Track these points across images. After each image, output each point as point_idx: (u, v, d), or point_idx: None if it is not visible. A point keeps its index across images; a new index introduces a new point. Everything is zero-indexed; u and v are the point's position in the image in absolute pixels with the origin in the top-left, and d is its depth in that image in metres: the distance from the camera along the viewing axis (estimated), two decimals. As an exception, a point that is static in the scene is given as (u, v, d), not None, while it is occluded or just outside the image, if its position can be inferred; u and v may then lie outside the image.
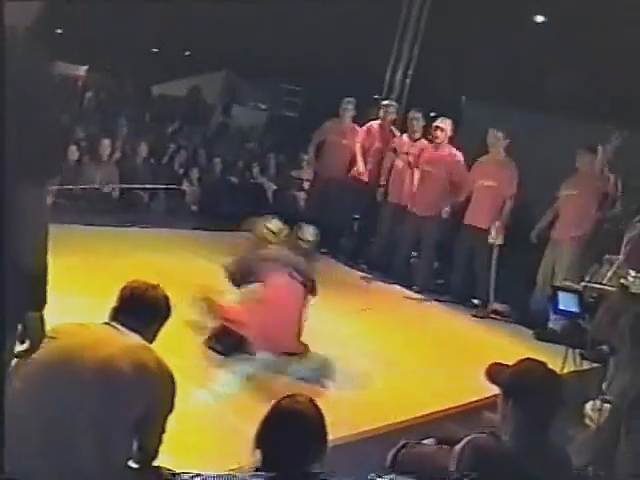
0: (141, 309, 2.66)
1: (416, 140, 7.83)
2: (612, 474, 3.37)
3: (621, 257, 4.78)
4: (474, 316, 6.96)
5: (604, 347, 4.43)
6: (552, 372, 2.52)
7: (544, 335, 6.30)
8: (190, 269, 6.19)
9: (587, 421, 4.03)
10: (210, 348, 4.63)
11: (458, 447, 2.40)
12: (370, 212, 8.29)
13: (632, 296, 3.75)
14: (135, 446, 2.56)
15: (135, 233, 7.49)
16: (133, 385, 2.45)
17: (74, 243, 5.95)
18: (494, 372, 2.56)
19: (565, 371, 4.46)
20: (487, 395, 3.47)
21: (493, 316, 7.03)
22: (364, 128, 8.29)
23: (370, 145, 8.21)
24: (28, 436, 2.33)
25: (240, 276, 4.86)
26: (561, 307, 4.57)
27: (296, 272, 4.83)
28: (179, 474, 2.50)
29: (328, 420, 2.25)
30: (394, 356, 5.29)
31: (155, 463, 2.66)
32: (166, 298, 2.76)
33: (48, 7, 2.22)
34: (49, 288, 2.25)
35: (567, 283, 5.17)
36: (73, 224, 6.60)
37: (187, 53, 15.85)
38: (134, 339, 2.58)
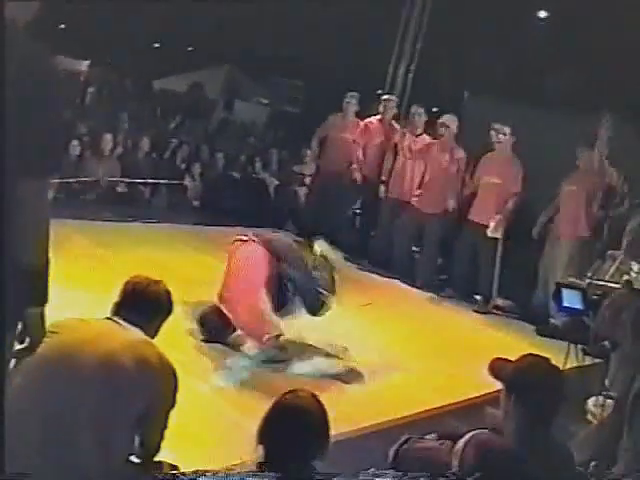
0: (143, 304, 2.66)
1: (418, 136, 7.82)
2: (614, 470, 3.36)
3: (622, 247, 4.77)
4: (476, 312, 6.96)
5: (606, 343, 4.42)
6: (555, 368, 2.51)
7: (546, 331, 6.30)
8: (192, 264, 6.19)
9: (589, 417, 4.03)
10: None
11: (460, 443, 2.40)
12: (372, 207, 8.28)
13: (636, 292, 3.74)
14: (137, 441, 2.56)
15: (137, 228, 7.48)
16: (135, 380, 2.45)
17: (76, 238, 5.95)
18: (497, 367, 2.56)
19: (567, 367, 4.45)
20: (489, 390, 3.46)
21: (495, 312, 7.03)
22: (362, 124, 8.27)
23: (367, 141, 8.19)
24: (29, 432, 2.33)
25: None
26: (565, 304, 4.53)
27: (263, 241, 4.83)
28: (181, 472, 2.50)
29: (330, 415, 2.25)
30: (396, 351, 5.28)
31: (157, 458, 2.66)
32: (168, 293, 2.76)
33: (50, 3, 2.21)
34: (50, 283, 2.24)
35: (571, 279, 5.15)
36: (75, 219, 6.59)
37: (190, 49, 15.85)
38: (136, 334, 2.58)
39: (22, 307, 2.18)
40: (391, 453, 2.67)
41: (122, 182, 8.64)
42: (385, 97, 8.47)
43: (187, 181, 9.38)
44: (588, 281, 4.76)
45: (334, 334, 5.12)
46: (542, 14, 10.09)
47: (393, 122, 8.29)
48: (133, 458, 2.59)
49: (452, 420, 4.05)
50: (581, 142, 6.73)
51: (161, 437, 2.62)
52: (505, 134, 7.06)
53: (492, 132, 7.12)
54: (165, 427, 2.60)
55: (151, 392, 2.49)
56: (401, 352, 5.31)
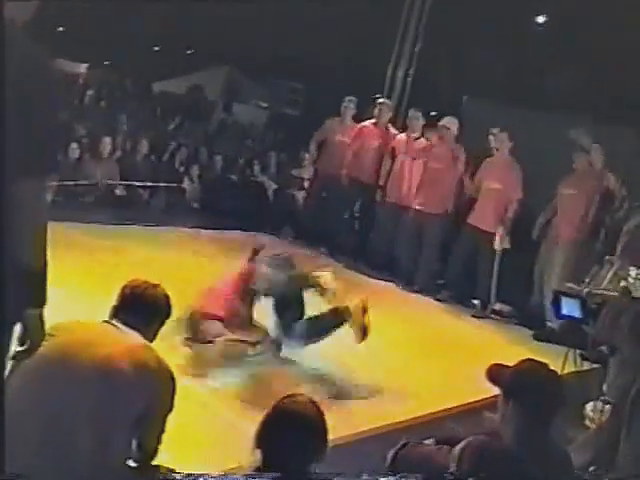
0: (141, 308, 2.65)
1: (415, 139, 7.83)
2: (613, 475, 3.36)
3: (618, 248, 4.76)
4: (474, 316, 6.96)
5: (604, 348, 4.42)
6: (553, 373, 2.51)
7: (543, 335, 6.30)
8: (190, 267, 6.19)
9: (587, 422, 4.02)
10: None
11: (458, 448, 2.39)
12: (370, 211, 8.28)
13: (634, 299, 3.74)
14: (134, 445, 2.56)
15: (135, 231, 7.47)
16: (133, 384, 2.44)
17: (74, 241, 5.94)
18: (495, 372, 2.56)
19: (565, 372, 4.45)
20: (487, 395, 3.46)
21: (493, 316, 7.03)
22: (356, 128, 8.27)
23: (363, 144, 8.18)
24: (27, 434, 2.32)
25: None
26: (564, 312, 4.46)
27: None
28: (178, 474, 2.49)
29: (328, 420, 2.24)
30: (393, 355, 5.27)
31: (154, 462, 2.66)
32: (167, 297, 2.75)
33: (49, 5, 2.21)
34: (49, 286, 2.24)
35: (569, 285, 5.12)
36: (73, 221, 6.59)
37: (189, 52, 15.86)
38: (134, 338, 2.57)
39: (21, 308, 2.17)
40: (389, 457, 2.67)
41: (121, 185, 8.64)
42: (380, 101, 8.46)
43: (186, 184, 9.38)
44: (587, 290, 4.72)
45: (331, 338, 5.11)
46: (540, 19, 10.13)
47: (389, 126, 8.29)
48: (130, 462, 2.58)
49: (450, 424, 4.04)
50: (577, 145, 6.76)
51: (159, 441, 2.61)
52: (502, 140, 7.08)
53: (490, 137, 7.14)
54: (163, 431, 2.59)
55: (149, 395, 2.48)
56: (399, 356, 5.31)
